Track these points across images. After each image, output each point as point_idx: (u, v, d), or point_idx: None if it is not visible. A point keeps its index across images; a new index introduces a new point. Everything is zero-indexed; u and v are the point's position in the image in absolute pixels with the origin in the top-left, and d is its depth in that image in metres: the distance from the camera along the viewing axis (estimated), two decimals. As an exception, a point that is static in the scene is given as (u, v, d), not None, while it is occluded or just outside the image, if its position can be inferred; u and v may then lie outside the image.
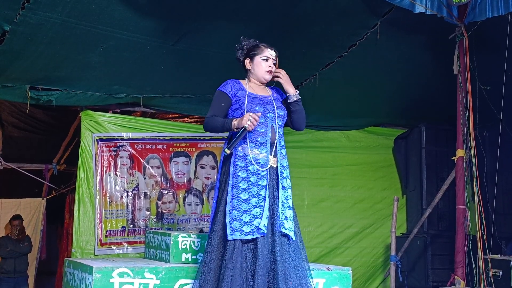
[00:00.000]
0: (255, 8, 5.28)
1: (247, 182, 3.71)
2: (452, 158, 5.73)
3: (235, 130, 3.72)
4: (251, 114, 3.66)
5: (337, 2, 5.32)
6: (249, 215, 3.65)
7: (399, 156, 8.01)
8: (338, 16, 5.51)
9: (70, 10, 4.89)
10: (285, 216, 3.75)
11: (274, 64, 3.97)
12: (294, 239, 3.76)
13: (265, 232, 3.63)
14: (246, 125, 3.65)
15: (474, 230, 5.53)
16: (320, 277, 4.42)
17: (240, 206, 3.67)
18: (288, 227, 3.72)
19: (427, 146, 7.56)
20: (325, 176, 7.83)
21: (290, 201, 3.82)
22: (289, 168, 3.93)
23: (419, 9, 5.16)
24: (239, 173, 3.73)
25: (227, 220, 3.66)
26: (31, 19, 4.90)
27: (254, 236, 3.62)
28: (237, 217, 3.65)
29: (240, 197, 3.68)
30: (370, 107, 7.51)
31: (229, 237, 3.61)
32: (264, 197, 3.70)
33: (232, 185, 3.72)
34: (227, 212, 3.68)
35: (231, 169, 3.75)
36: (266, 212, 3.66)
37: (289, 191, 3.84)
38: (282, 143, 3.91)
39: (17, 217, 8.20)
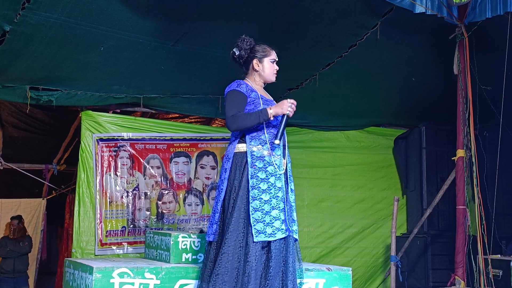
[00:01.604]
0: (255, 8, 5.28)
1: (267, 183, 3.72)
2: (452, 158, 5.73)
3: (272, 118, 3.74)
4: (289, 100, 3.73)
5: (337, 2, 5.33)
6: (269, 216, 3.68)
7: (399, 156, 8.01)
8: (338, 16, 5.51)
9: (70, 10, 4.89)
10: (293, 219, 3.81)
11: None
12: (298, 239, 3.84)
13: (286, 234, 3.67)
14: (288, 112, 3.69)
15: (474, 230, 5.53)
16: (320, 277, 4.42)
17: (263, 208, 3.68)
18: (295, 229, 3.80)
19: (427, 146, 7.56)
20: (325, 176, 7.83)
21: (295, 204, 3.91)
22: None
23: (419, 9, 5.16)
24: (259, 174, 3.73)
25: (251, 221, 3.65)
26: (31, 19, 4.90)
27: (275, 238, 3.65)
28: (261, 219, 3.66)
29: (262, 199, 3.69)
30: (370, 107, 7.51)
31: (255, 239, 3.62)
32: (282, 198, 3.73)
33: (252, 186, 3.71)
34: (250, 213, 3.67)
35: (250, 170, 3.73)
36: (286, 214, 3.71)
37: (294, 193, 3.93)
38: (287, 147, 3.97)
39: (15, 217, 8.21)
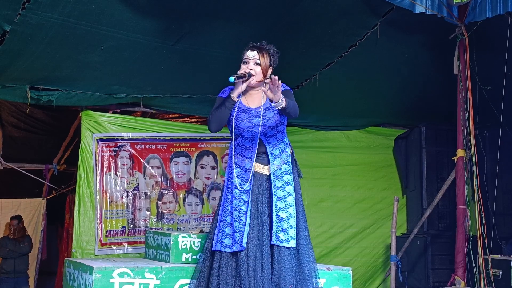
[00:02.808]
0: (255, 8, 5.28)
1: (231, 195, 3.76)
2: (452, 158, 5.73)
3: (236, 100, 3.67)
4: (234, 78, 3.63)
5: (337, 2, 5.33)
6: (231, 228, 3.70)
7: (399, 156, 8.00)
8: (338, 16, 5.51)
9: (70, 10, 4.89)
10: (282, 228, 3.69)
11: (258, 64, 3.74)
12: (293, 247, 3.70)
13: (244, 247, 3.63)
14: (241, 73, 3.64)
15: (474, 230, 5.53)
16: (321, 277, 4.42)
17: (225, 218, 3.75)
18: (285, 238, 3.67)
19: (427, 146, 7.55)
20: (325, 176, 7.83)
21: (291, 209, 3.75)
22: (290, 173, 3.86)
23: (419, 9, 5.16)
24: (229, 185, 3.79)
25: (216, 231, 3.75)
26: (31, 19, 4.90)
27: (232, 250, 3.65)
28: (222, 229, 3.73)
29: (227, 210, 3.76)
30: (370, 107, 7.51)
31: (213, 248, 3.72)
32: (245, 212, 3.69)
33: (224, 196, 3.81)
34: (219, 223, 3.77)
35: (226, 180, 3.84)
36: (247, 228, 3.66)
37: (289, 199, 3.76)
38: (277, 153, 3.83)
39: (15, 217, 8.21)
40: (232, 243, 3.66)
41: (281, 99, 3.55)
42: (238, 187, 3.73)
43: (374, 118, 7.95)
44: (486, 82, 5.87)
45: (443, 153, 7.31)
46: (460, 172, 5.60)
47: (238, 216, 3.69)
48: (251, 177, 3.73)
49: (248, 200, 3.70)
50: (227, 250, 3.66)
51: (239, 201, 3.72)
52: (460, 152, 5.59)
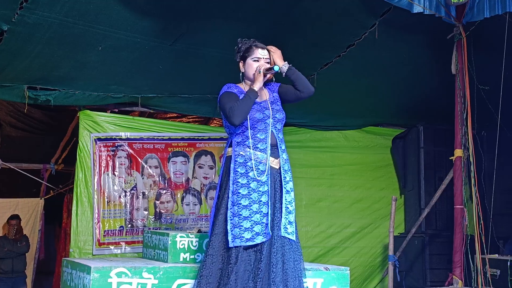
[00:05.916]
0: (254, 8, 5.28)
1: (248, 188, 3.72)
2: (450, 158, 5.73)
3: (256, 92, 3.78)
4: (256, 70, 3.82)
5: (335, 2, 5.33)
6: (249, 221, 3.66)
7: (397, 156, 8.01)
8: (336, 16, 5.52)
9: (68, 10, 4.90)
10: (289, 221, 3.76)
11: (268, 63, 3.91)
12: (295, 240, 3.78)
13: (270, 235, 3.64)
14: (262, 71, 3.79)
15: (472, 230, 5.53)
16: (318, 276, 4.42)
17: (240, 213, 3.68)
18: (291, 231, 3.75)
19: (425, 146, 7.56)
20: (323, 176, 7.83)
21: (293, 204, 3.84)
22: (291, 171, 3.93)
23: (417, 9, 5.16)
24: (239, 180, 3.73)
25: (229, 227, 3.67)
26: (29, 18, 4.90)
27: (255, 243, 3.63)
28: (238, 224, 3.66)
29: (241, 204, 3.69)
30: (368, 107, 7.52)
31: (230, 244, 3.64)
32: (266, 203, 3.70)
33: (232, 192, 3.72)
34: (228, 218, 3.70)
35: (231, 175, 3.75)
36: (270, 218, 3.67)
37: (292, 194, 3.85)
38: (283, 148, 3.90)
39: (15, 217, 8.19)
40: (253, 236, 3.64)
41: (286, 63, 3.91)
42: (257, 179, 3.71)
43: (372, 118, 7.96)
44: (484, 82, 5.88)
45: (441, 153, 7.32)
46: (458, 172, 5.60)
47: (259, 208, 3.68)
48: (268, 169, 3.75)
49: (267, 191, 3.72)
50: (249, 243, 3.63)
51: (258, 193, 3.71)
52: (458, 152, 5.59)
